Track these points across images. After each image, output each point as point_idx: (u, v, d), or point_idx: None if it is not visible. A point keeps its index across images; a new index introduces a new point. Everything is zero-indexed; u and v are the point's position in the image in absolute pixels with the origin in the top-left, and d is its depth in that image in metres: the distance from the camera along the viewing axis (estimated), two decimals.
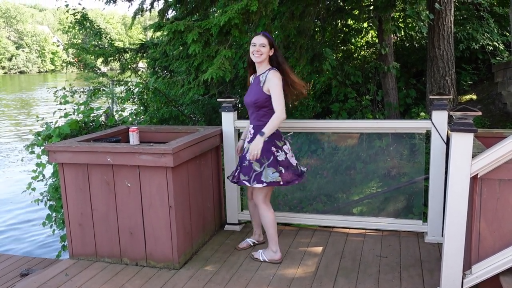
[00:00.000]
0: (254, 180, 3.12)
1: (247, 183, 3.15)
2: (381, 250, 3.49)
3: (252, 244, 3.63)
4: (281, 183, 3.12)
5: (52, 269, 3.39)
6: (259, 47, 3.12)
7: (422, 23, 5.25)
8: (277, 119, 3.03)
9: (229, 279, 3.11)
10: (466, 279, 2.58)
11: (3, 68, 62.97)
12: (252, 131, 3.24)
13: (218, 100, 4.08)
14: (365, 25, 7.12)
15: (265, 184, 3.09)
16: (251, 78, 3.35)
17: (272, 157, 3.12)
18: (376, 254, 3.41)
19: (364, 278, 3.04)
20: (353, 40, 7.43)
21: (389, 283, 2.96)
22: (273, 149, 3.15)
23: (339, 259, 3.35)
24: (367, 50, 7.75)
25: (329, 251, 3.50)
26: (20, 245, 6.59)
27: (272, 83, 3.07)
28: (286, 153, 3.22)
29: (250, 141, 3.23)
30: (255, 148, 3.02)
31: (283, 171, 3.14)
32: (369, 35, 7.72)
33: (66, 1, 6.86)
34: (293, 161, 3.27)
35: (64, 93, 6.78)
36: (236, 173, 3.28)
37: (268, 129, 3.03)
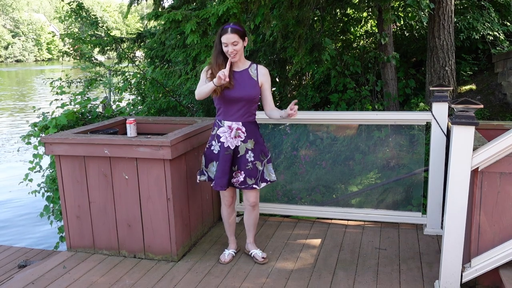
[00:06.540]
0: (260, 180, 3.03)
1: (256, 187, 2.99)
2: (380, 242, 3.48)
3: (234, 255, 3.35)
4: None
5: (50, 261, 3.37)
6: (232, 47, 2.82)
7: (422, 13, 5.17)
8: None
9: (227, 272, 3.10)
10: (465, 272, 2.57)
11: (0, 56, 62.63)
12: (244, 128, 2.97)
13: None
14: (365, 14, 7.04)
15: (269, 182, 3.06)
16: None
17: (268, 153, 3.09)
18: (375, 246, 3.41)
19: (363, 271, 3.04)
20: (352, 30, 7.35)
21: (388, 276, 2.96)
22: (265, 144, 3.13)
23: (338, 252, 3.35)
24: (366, 40, 7.68)
25: (328, 243, 3.49)
26: (17, 235, 6.58)
27: (267, 80, 3.00)
28: None
29: (245, 141, 2.98)
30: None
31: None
32: (369, 25, 7.64)
33: None
34: None
35: (60, 83, 6.71)
36: (241, 179, 2.98)
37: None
